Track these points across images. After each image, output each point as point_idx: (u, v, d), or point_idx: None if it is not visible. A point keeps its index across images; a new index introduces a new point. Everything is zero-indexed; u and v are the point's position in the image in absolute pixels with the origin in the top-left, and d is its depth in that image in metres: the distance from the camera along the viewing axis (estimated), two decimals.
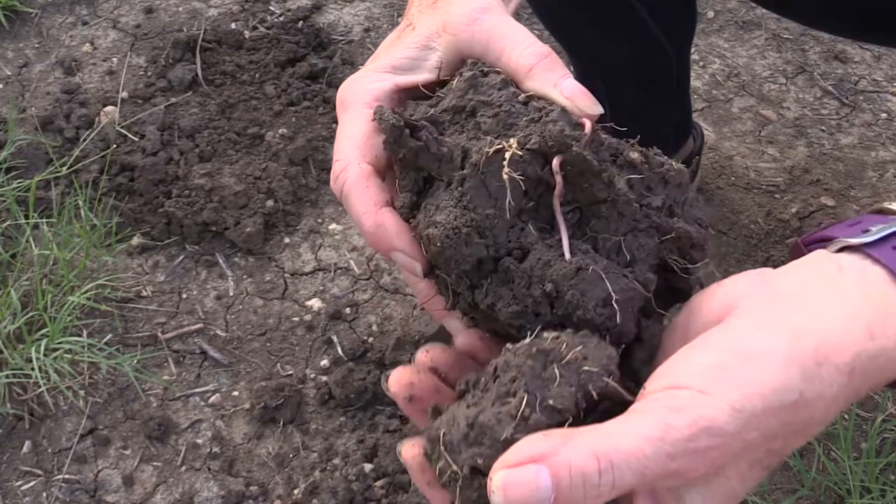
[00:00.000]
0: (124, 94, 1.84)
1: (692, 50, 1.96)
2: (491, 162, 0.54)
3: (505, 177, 0.53)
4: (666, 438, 0.42)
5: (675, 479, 0.44)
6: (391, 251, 0.57)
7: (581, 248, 0.54)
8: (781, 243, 1.64)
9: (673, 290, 0.58)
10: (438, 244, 0.54)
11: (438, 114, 0.60)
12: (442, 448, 0.48)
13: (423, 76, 0.64)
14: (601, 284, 0.52)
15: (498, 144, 0.54)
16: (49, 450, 1.38)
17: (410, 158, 0.57)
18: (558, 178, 0.54)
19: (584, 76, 1.41)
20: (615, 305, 0.51)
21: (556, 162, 0.53)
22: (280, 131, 1.76)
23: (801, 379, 0.44)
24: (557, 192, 0.54)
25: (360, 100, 0.62)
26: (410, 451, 0.51)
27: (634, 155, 0.55)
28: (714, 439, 0.43)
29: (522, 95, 0.59)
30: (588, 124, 0.56)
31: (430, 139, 0.57)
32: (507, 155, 0.53)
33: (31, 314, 1.42)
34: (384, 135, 0.58)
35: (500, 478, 0.43)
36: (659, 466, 0.42)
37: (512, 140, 0.54)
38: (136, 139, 1.74)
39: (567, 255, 0.53)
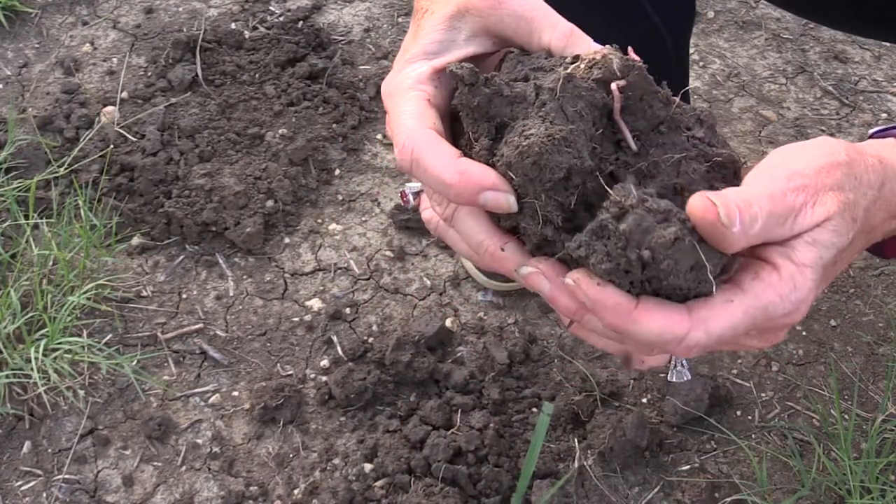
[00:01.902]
0: (124, 94, 1.84)
1: (692, 50, 1.96)
2: (566, 87, 0.58)
3: (583, 84, 0.58)
4: (778, 189, 0.56)
5: (800, 218, 0.57)
6: (480, 192, 0.57)
7: (649, 192, 0.58)
8: None
9: None
10: (536, 150, 0.56)
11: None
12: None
13: (455, 54, 0.65)
14: (695, 255, 0.55)
15: (571, 67, 0.59)
16: (49, 450, 1.38)
17: (484, 105, 0.60)
18: (616, 94, 0.58)
19: None
20: (709, 276, 0.55)
21: (614, 85, 0.59)
22: (280, 131, 1.76)
23: (843, 150, 0.60)
24: (617, 106, 0.59)
25: (403, 86, 0.64)
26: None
27: (674, 98, 0.62)
28: (801, 179, 0.57)
29: (569, 56, 0.63)
30: (631, 51, 0.61)
31: (502, 83, 0.60)
32: (582, 67, 0.59)
33: (30, 314, 1.42)
34: (459, 86, 0.61)
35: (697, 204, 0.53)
36: (781, 202, 0.56)
37: (580, 63, 0.59)
38: (136, 139, 1.74)
39: (633, 146, 0.59)
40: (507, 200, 0.58)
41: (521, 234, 0.61)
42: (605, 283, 0.55)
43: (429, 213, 0.67)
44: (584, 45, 0.64)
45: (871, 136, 0.71)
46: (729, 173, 0.61)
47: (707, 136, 0.61)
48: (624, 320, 0.54)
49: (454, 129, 0.65)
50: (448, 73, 0.62)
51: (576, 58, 0.63)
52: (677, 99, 0.61)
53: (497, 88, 0.60)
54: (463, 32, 0.66)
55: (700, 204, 0.53)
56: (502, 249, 0.60)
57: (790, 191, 0.56)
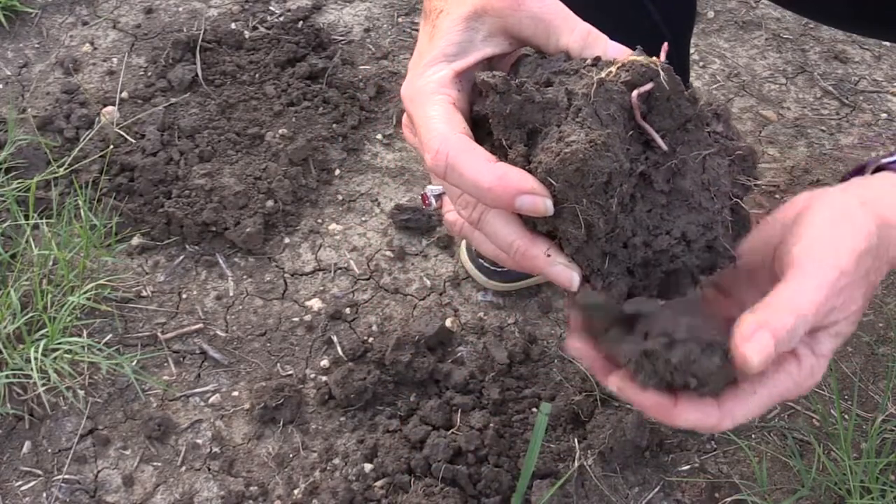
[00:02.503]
0: (124, 95, 1.84)
1: (692, 50, 1.96)
2: (599, 92, 0.59)
3: (614, 87, 0.59)
4: (821, 289, 0.60)
5: (833, 314, 0.62)
6: (517, 196, 0.58)
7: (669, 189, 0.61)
8: None
9: (736, 219, 0.66)
10: (580, 156, 0.57)
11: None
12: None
13: (474, 56, 0.65)
14: (731, 371, 0.61)
15: (603, 72, 0.60)
16: (49, 450, 1.38)
17: (516, 112, 0.61)
18: (635, 101, 0.60)
19: None
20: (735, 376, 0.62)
21: (635, 93, 0.60)
22: (280, 131, 1.76)
23: (876, 233, 0.63)
24: (637, 112, 0.60)
25: (426, 90, 0.64)
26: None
27: (697, 95, 0.63)
28: (846, 278, 0.61)
29: (589, 59, 0.64)
30: (665, 46, 0.63)
31: (534, 90, 0.61)
32: (612, 73, 0.60)
33: (30, 314, 1.42)
34: (491, 94, 0.61)
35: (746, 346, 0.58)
36: (825, 307, 0.61)
37: (611, 68, 0.60)
38: (136, 139, 1.74)
39: (664, 147, 0.60)
40: (544, 205, 0.59)
41: (560, 238, 0.63)
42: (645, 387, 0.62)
43: (452, 215, 0.67)
44: (602, 46, 0.65)
45: (885, 167, 0.72)
46: (748, 165, 0.63)
47: (725, 130, 0.64)
48: (664, 415, 0.62)
49: (475, 134, 0.65)
50: (480, 82, 0.62)
51: (596, 59, 0.64)
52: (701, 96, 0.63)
53: (529, 95, 0.61)
54: (480, 33, 0.66)
55: (743, 350, 0.58)
56: (547, 255, 0.62)
57: (834, 294, 0.60)
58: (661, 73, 0.60)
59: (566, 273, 0.62)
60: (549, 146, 0.59)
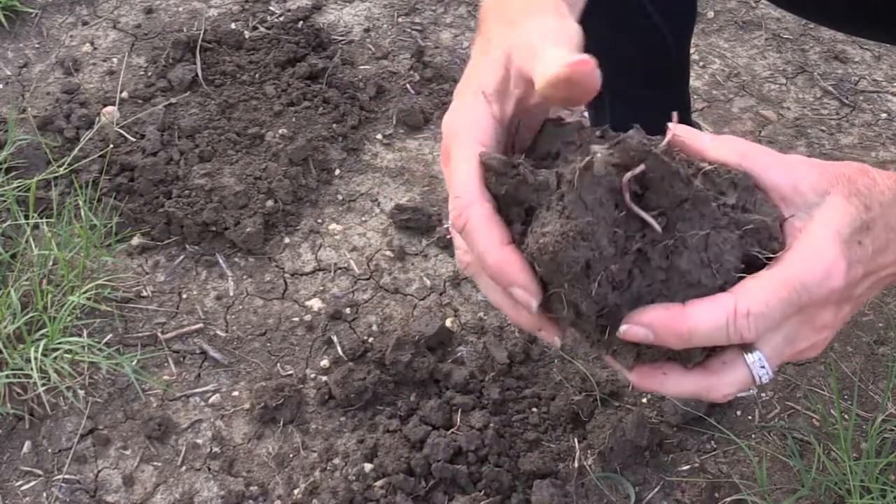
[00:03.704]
0: (124, 95, 1.84)
1: (692, 50, 1.96)
2: (583, 177, 0.60)
3: (602, 170, 0.60)
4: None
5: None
6: (511, 286, 0.63)
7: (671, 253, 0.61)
8: None
9: None
10: (551, 249, 0.59)
11: (532, 160, 0.67)
12: None
13: (510, 105, 0.69)
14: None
15: (587, 159, 0.60)
16: (49, 450, 1.38)
17: (512, 192, 0.64)
18: (624, 185, 0.60)
19: None
20: None
21: (625, 179, 0.60)
22: (280, 131, 1.76)
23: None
24: (626, 196, 0.61)
25: (466, 137, 0.67)
26: None
27: (704, 164, 0.62)
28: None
29: (598, 131, 0.66)
30: (670, 130, 0.63)
31: (527, 172, 0.63)
32: (598, 157, 0.60)
33: (30, 314, 1.42)
34: (488, 173, 0.65)
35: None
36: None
37: (598, 153, 0.61)
38: (136, 139, 1.74)
39: (657, 229, 0.60)
40: (529, 303, 0.63)
41: (554, 314, 0.65)
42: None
43: (465, 256, 0.71)
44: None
45: None
46: (764, 237, 0.62)
47: (742, 199, 0.62)
48: (683, 319, 0.60)
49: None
50: (481, 163, 0.65)
51: (604, 132, 0.65)
52: (706, 166, 0.62)
53: (522, 177, 0.63)
54: (512, 77, 0.69)
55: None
56: (539, 331, 0.67)
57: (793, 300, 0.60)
58: (650, 158, 0.60)
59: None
60: (534, 230, 0.62)
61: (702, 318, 0.59)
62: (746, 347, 0.63)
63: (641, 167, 0.60)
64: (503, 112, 0.69)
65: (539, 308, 0.64)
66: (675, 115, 0.65)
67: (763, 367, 0.63)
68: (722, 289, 0.61)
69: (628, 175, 0.60)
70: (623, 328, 0.61)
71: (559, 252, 0.59)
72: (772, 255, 0.62)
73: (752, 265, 0.62)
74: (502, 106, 0.68)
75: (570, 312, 0.62)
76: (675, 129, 0.64)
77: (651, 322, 0.60)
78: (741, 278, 0.61)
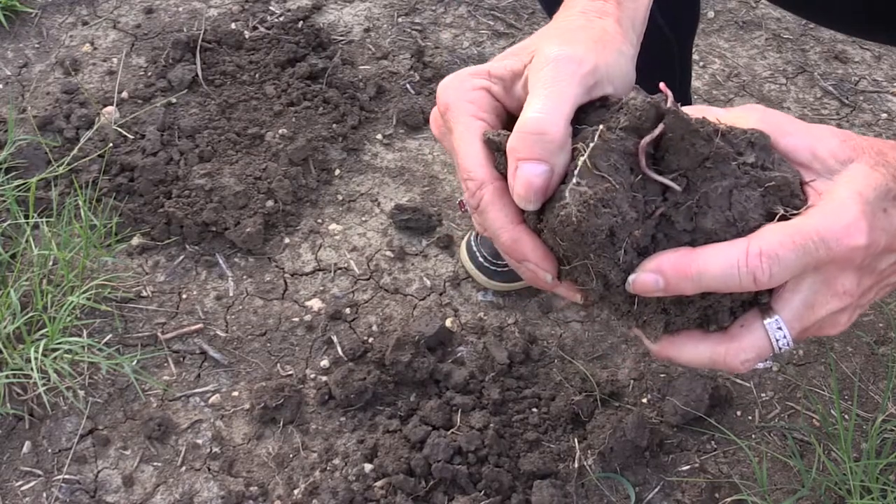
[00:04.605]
0: (124, 95, 1.84)
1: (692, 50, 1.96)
2: (596, 145, 0.59)
3: (612, 135, 0.59)
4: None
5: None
6: (523, 261, 0.64)
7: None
8: None
9: None
10: (574, 220, 0.58)
11: None
12: None
13: (518, 91, 0.68)
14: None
15: (596, 128, 0.60)
16: (49, 450, 1.38)
17: None
18: (642, 147, 0.60)
19: None
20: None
21: (642, 143, 0.60)
22: (280, 131, 1.76)
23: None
24: (642, 159, 0.60)
25: (465, 111, 0.67)
26: None
27: (721, 125, 0.61)
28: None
29: (622, 100, 0.65)
30: (664, 87, 0.62)
31: None
32: (602, 133, 0.60)
33: (30, 314, 1.42)
34: (496, 153, 0.64)
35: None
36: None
37: (610, 114, 0.61)
38: (136, 139, 1.74)
39: (677, 188, 0.59)
40: (545, 277, 0.64)
41: (581, 288, 0.64)
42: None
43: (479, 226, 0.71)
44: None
45: None
46: (786, 194, 0.61)
47: (760, 158, 0.61)
48: (693, 260, 0.58)
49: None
50: (485, 141, 0.65)
51: (621, 105, 0.64)
52: (724, 126, 0.61)
53: None
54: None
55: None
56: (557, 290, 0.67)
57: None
58: (669, 115, 0.59)
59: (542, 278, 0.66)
60: (552, 206, 0.61)
61: (713, 259, 0.58)
62: (765, 311, 0.61)
63: (659, 128, 0.60)
64: (508, 95, 0.68)
65: (561, 278, 0.64)
66: (663, 85, 0.64)
67: (781, 329, 0.61)
68: None
69: (647, 139, 0.59)
70: (632, 278, 0.60)
71: (582, 222, 0.58)
72: (795, 212, 0.60)
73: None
74: (509, 91, 0.68)
75: (599, 283, 0.61)
76: (688, 109, 0.63)
77: (660, 266, 0.59)
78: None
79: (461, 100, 0.67)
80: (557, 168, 0.61)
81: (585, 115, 0.65)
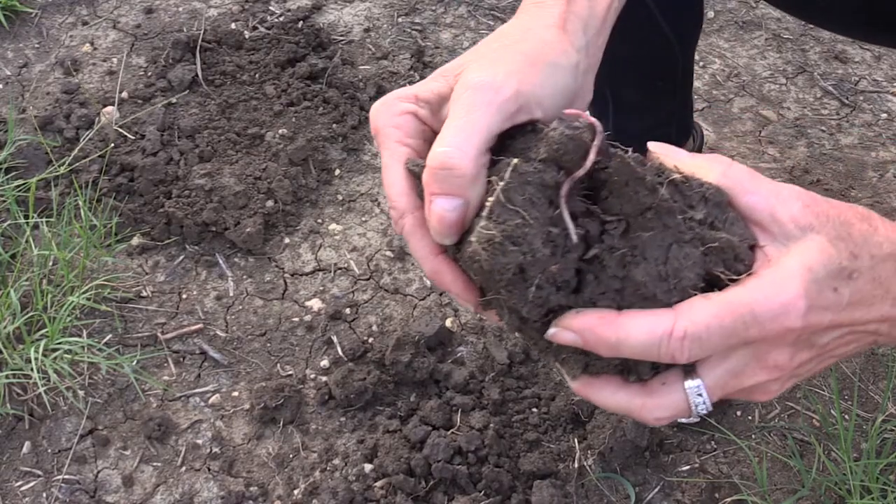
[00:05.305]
0: (124, 95, 1.84)
1: None
2: (511, 178, 0.57)
3: (529, 168, 0.57)
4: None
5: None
6: (446, 290, 0.64)
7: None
8: None
9: None
10: (477, 258, 0.57)
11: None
12: None
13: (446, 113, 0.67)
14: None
15: (513, 160, 0.57)
16: (49, 450, 1.38)
17: None
18: (565, 192, 0.57)
19: None
20: None
21: (565, 187, 0.57)
22: (280, 131, 1.76)
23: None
24: (564, 190, 0.58)
25: (391, 137, 0.66)
26: None
27: (676, 175, 0.58)
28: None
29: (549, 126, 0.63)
30: (593, 120, 0.59)
31: None
32: (513, 166, 0.57)
33: (30, 314, 1.42)
34: (416, 180, 0.64)
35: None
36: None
37: (515, 160, 0.58)
38: (136, 139, 1.74)
39: (573, 238, 0.57)
40: (467, 307, 0.64)
41: (500, 319, 0.63)
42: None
43: None
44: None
45: None
46: (729, 257, 0.58)
47: (711, 215, 0.58)
48: (614, 328, 0.56)
49: None
50: (406, 169, 0.64)
51: (541, 136, 0.61)
52: (679, 176, 0.58)
53: None
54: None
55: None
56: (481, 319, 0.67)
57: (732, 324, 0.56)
58: (615, 160, 0.57)
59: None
60: (467, 239, 0.59)
61: (634, 329, 0.56)
62: (689, 373, 0.59)
63: (584, 168, 0.57)
64: (435, 118, 0.66)
65: (482, 307, 0.63)
66: (586, 115, 0.61)
67: (700, 395, 0.59)
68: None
69: (571, 178, 0.57)
70: (551, 331, 0.58)
71: (487, 260, 0.56)
72: (735, 277, 0.58)
73: (715, 285, 0.58)
74: (436, 114, 0.66)
75: (514, 318, 0.60)
76: (652, 146, 0.61)
77: (581, 327, 0.57)
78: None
79: (387, 125, 0.66)
80: (472, 201, 0.59)
81: (513, 140, 0.62)
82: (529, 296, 0.57)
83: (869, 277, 0.58)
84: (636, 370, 0.60)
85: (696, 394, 0.59)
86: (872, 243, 0.59)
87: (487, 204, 0.57)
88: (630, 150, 0.59)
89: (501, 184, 0.57)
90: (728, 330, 0.56)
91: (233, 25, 1.99)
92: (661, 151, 0.61)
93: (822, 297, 0.57)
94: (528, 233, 0.56)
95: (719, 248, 0.57)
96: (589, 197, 0.60)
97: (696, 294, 0.57)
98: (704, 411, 0.60)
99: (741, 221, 0.59)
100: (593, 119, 0.60)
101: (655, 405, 0.60)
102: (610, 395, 0.61)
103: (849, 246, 0.58)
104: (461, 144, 0.59)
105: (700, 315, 0.56)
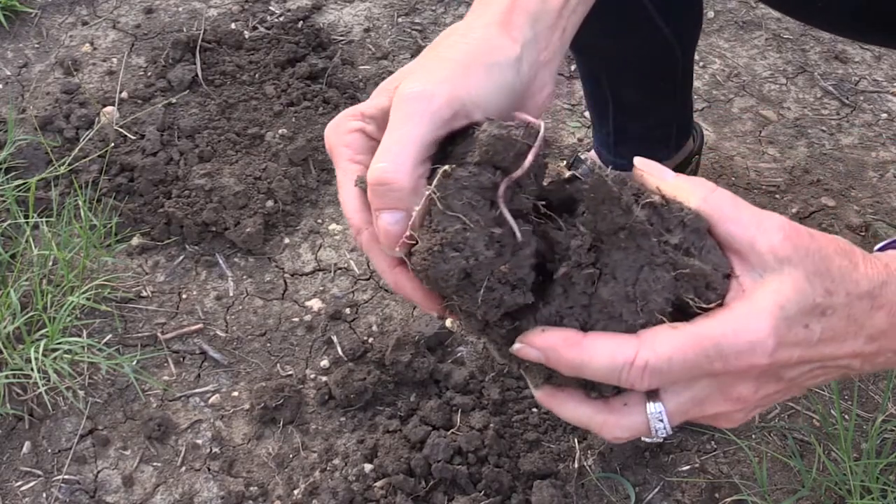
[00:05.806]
0: (124, 95, 1.84)
1: None
2: (445, 186, 0.57)
3: (463, 173, 0.57)
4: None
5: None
6: (410, 301, 0.64)
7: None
8: None
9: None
10: (419, 268, 0.58)
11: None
12: None
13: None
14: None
15: (443, 168, 0.57)
16: (49, 450, 1.38)
17: None
18: (502, 195, 0.57)
19: (588, 74, 1.41)
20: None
21: (501, 187, 0.57)
22: (280, 131, 1.76)
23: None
24: (501, 190, 0.58)
25: (342, 155, 0.67)
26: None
27: (655, 197, 0.58)
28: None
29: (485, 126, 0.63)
30: (531, 120, 0.60)
31: None
32: (445, 172, 0.57)
33: (30, 314, 1.42)
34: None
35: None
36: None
37: (443, 168, 0.58)
38: (136, 139, 1.74)
39: (518, 236, 0.57)
40: (433, 314, 0.64)
41: (463, 324, 0.63)
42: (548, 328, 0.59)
43: None
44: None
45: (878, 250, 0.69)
46: (700, 285, 0.57)
47: (688, 241, 0.58)
48: (577, 350, 0.57)
49: None
50: (356, 186, 0.65)
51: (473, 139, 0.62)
52: (658, 198, 0.58)
53: None
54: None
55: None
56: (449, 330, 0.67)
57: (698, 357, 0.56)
58: (593, 177, 0.56)
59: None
60: (414, 249, 0.60)
61: (597, 354, 0.56)
62: (652, 396, 0.59)
63: (524, 167, 0.57)
64: (382, 133, 0.66)
65: (446, 314, 0.63)
66: (522, 114, 0.62)
67: (661, 420, 0.59)
68: (644, 328, 0.57)
69: (507, 181, 0.57)
70: (516, 346, 0.59)
71: (429, 268, 0.57)
72: (705, 306, 0.57)
73: (685, 311, 0.58)
74: (382, 129, 0.66)
75: (473, 322, 0.60)
76: (638, 163, 0.61)
77: (544, 346, 0.57)
78: (661, 322, 0.57)
79: (338, 144, 0.67)
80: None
81: (454, 146, 0.62)
82: (479, 299, 0.57)
83: (843, 315, 0.58)
84: (598, 388, 0.60)
85: (657, 418, 0.59)
86: (850, 280, 0.58)
87: (429, 214, 0.57)
88: (610, 168, 0.58)
89: (435, 192, 0.57)
90: (690, 363, 0.55)
91: (233, 25, 1.99)
92: (646, 169, 0.60)
93: (791, 333, 0.56)
94: (469, 237, 0.56)
95: (691, 275, 0.57)
96: (569, 212, 0.60)
97: (663, 319, 0.57)
98: (665, 434, 0.60)
99: (717, 250, 0.58)
100: (531, 118, 0.60)
101: (616, 424, 0.60)
102: (572, 409, 0.62)
103: (825, 282, 0.57)
104: (395, 158, 0.60)
105: (663, 346, 0.55)
